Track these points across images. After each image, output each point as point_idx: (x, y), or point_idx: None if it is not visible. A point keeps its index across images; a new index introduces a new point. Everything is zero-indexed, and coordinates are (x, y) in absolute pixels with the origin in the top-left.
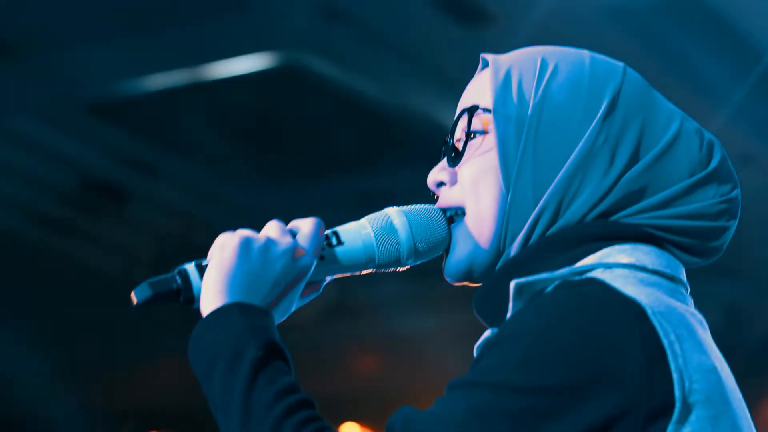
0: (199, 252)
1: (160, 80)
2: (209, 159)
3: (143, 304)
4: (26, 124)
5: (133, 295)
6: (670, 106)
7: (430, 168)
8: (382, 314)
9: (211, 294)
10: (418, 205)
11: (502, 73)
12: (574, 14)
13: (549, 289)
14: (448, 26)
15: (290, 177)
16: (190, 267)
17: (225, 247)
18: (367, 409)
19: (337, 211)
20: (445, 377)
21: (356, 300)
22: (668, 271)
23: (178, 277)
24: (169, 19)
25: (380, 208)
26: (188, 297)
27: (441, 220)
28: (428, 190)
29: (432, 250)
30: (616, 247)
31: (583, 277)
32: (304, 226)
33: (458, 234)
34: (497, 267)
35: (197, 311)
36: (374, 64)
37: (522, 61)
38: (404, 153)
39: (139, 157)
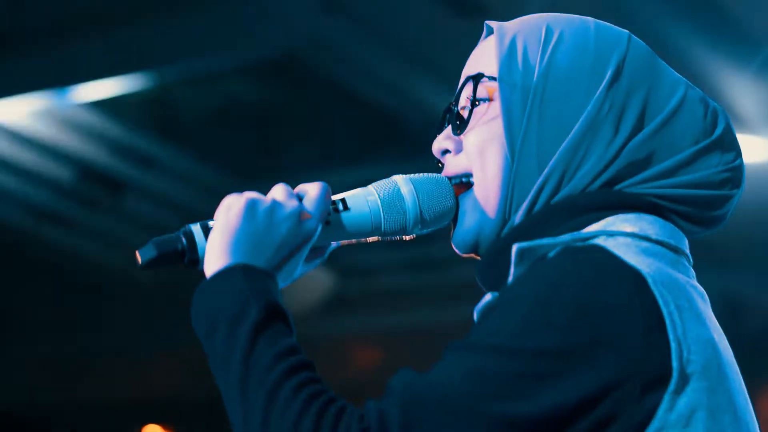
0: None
1: (158, 72)
2: (207, 151)
3: (148, 264)
4: (23, 115)
5: (137, 254)
6: (675, 74)
7: (430, 160)
8: (382, 307)
9: (215, 255)
10: (425, 174)
11: (507, 41)
12: (571, 5)
13: (551, 254)
14: (446, 19)
15: (288, 169)
16: (196, 228)
17: (231, 209)
18: None
19: None
20: None
21: (356, 293)
22: (671, 241)
23: (183, 238)
24: (167, 11)
25: None
26: (192, 258)
27: (448, 189)
28: None
29: (438, 219)
30: (620, 216)
31: (586, 243)
32: (311, 190)
33: (466, 204)
34: (502, 235)
35: (201, 273)
36: (372, 56)
37: (527, 29)
38: (402, 146)
39: (137, 150)
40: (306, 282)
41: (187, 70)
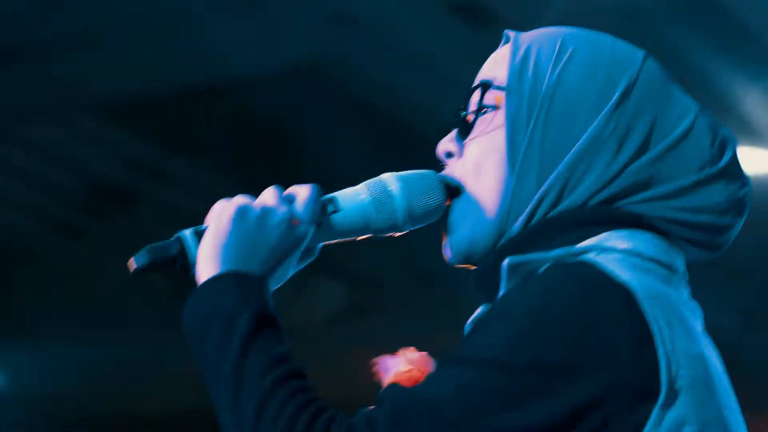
0: None
1: (170, 84)
2: (219, 163)
3: (141, 271)
4: (35, 128)
5: (131, 261)
6: (688, 99)
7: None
8: (395, 318)
9: (207, 262)
10: (415, 171)
11: (521, 52)
12: (585, 17)
13: (542, 269)
14: (459, 31)
15: (302, 182)
16: (188, 233)
17: (221, 215)
18: None
19: None
20: None
21: (368, 304)
22: (665, 258)
23: (175, 244)
24: (180, 23)
25: None
26: (184, 263)
27: (438, 185)
28: None
29: (429, 215)
30: (615, 233)
31: (577, 258)
32: (301, 192)
33: (458, 211)
34: (498, 245)
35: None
36: (386, 68)
37: (542, 41)
38: (416, 157)
39: (149, 161)
40: (317, 294)
41: (201, 82)
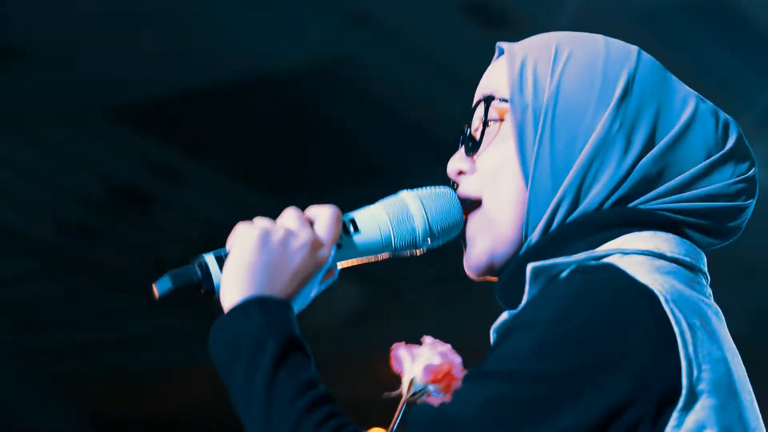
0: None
1: (186, 84)
2: (235, 164)
3: (164, 297)
4: (51, 129)
5: (154, 287)
6: (685, 88)
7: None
8: (411, 320)
9: (231, 288)
10: (432, 188)
11: (517, 62)
12: (600, 18)
13: (565, 273)
14: (473, 30)
15: (317, 182)
16: (210, 259)
17: (244, 240)
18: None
19: None
20: None
21: (385, 305)
22: (687, 259)
23: (198, 270)
24: (195, 24)
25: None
26: (208, 289)
27: (455, 202)
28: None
29: (447, 232)
30: (635, 234)
31: (599, 263)
32: (322, 214)
33: (476, 225)
34: (519, 254)
35: (218, 301)
36: (399, 69)
37: (537, 49)
38: (429, 159)
39: (165, 162)
40: (335, 296)
41: (214, 83)
